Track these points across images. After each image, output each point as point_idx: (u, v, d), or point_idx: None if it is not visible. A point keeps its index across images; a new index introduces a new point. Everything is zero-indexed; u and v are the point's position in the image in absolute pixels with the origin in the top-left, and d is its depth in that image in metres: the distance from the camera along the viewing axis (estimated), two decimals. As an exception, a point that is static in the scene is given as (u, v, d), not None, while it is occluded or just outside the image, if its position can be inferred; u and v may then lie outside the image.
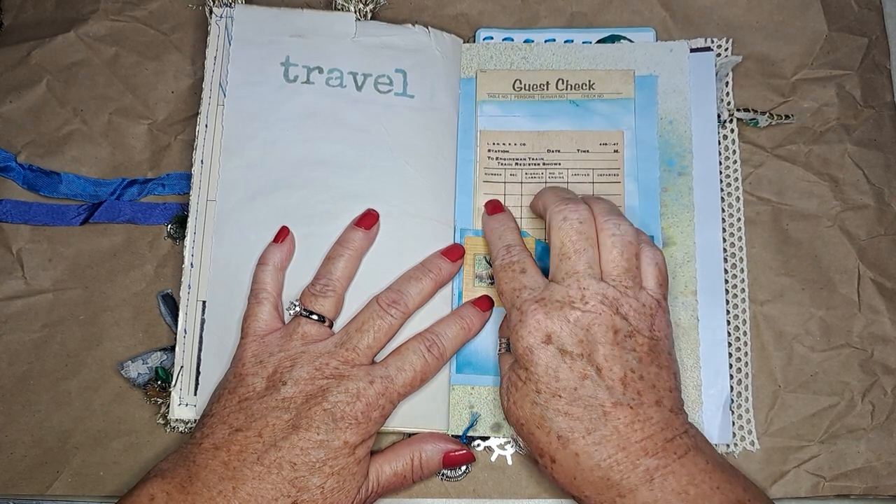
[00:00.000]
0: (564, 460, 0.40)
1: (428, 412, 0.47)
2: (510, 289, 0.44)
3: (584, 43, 0.53)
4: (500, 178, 0.51)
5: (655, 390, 0.40)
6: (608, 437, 0.39)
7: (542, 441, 0.40)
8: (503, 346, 0.45)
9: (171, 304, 0.51)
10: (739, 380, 0.48)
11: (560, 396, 0.40)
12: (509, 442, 0.48)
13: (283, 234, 0.49)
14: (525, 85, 0.52)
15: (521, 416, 0.41)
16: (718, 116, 0.51)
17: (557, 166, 0.51)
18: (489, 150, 0.51)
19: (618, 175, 0.50)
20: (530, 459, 0.43)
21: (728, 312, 0.49)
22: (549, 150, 0.51)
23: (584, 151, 0.51)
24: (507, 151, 0.51)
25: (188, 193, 0.50)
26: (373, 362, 0.45)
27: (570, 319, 0.41)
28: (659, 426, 0.39)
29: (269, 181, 0.50)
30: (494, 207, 0.49)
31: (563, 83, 0.52)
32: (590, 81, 0.52)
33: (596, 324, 0.41)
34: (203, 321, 0.48)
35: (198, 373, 0.48)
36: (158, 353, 0.50)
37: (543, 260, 0.49)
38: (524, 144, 0.51)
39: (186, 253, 0.49)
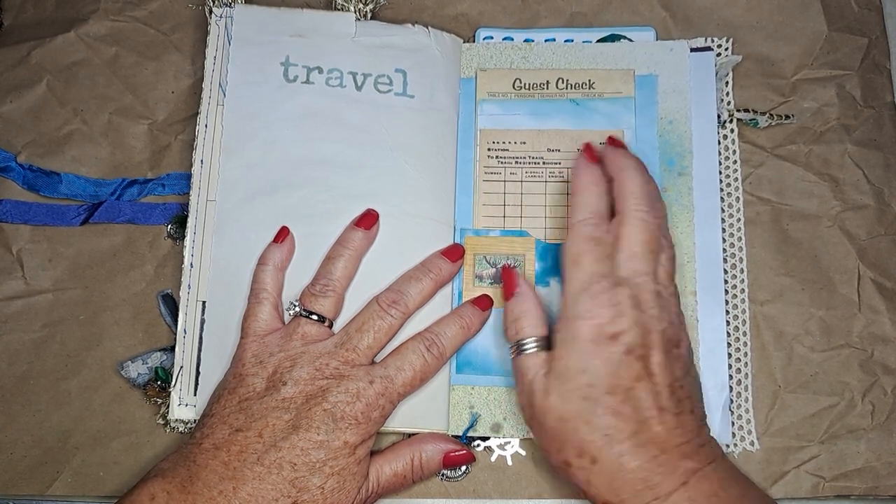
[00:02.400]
0: (607, 460, 0.39)
1: (428, 412, 0.47)
2: (591, 271, 0.42)
3: (584, 42, 0.53)
4: (499, 176, 0.51)
5: (691, 400, 0.41)
6: (653, 439, 0.39)
7: (586, 438, 0.39)
8: (532, 343, 0.44)
9: (171, 304, 0.51)
10: (739, 380, 0.48)
11: (615, 394, 0.40)
12: (509, 442, 0.48)
13: (282, 234, 0.49)
14: (525, 84, 0.52)
15: (567, 412, 0.40)
16: (718, 117, 0.51)
17: (557, 165, 0.51)
18: (489, 150, 0.51)
19: None
20: (553, 462, 0.41)
21: (728, 313, 0.49)
22: (549, 150, 0.51)
23: None
24: (507, 150, 0.51)
25: (188, 193, 0.50)
26: (373, 362, 0.45)
27: (638, 321, 0.40)
28: (693, 433, 0.40)
29: (269, 181, 0.50)
30: (592, 157, 0.46)
31: (563, 82, 0.52)
32: (590, 81, 0.52)
33: (655, 330, 0.41)
34: (203, 321, 0.48)
35: (198, 373, 0.48)
36: (158, 353, 0.50)
37: (543, 259, 0.49)
38: (524, 143, 0.51)
39: (186, 253, 0.49)
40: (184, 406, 0.48)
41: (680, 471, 0.38)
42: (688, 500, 0.38)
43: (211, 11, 0.52)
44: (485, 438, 0.48)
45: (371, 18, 0.54)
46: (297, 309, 0.46)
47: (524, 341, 0.44)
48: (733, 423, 0.47)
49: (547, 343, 0.43)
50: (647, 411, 0.39)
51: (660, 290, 0.42)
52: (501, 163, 0.51)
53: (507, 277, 0.46)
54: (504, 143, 0.51)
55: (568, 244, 0.43)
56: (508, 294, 0.46)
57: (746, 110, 0.52)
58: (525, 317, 0.44)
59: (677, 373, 0.41)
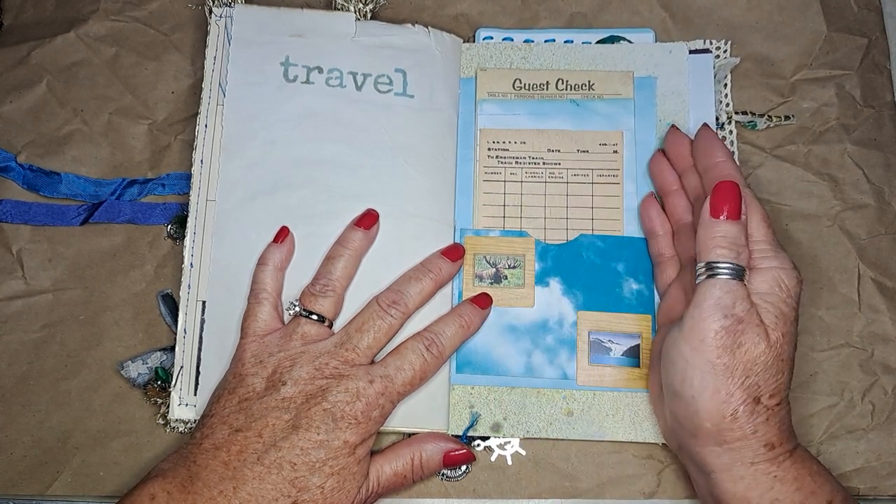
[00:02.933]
0: (786, 406, 0.40)
1: (428, 412, 0.47)
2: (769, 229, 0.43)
3: (583, 43, 0.53)
4: (499, 176, 0.51)
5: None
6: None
7: (784, 381, 0.40)
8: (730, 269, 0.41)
9: (171, 304, 0.51)
10: (739, 379, 0.48)
11: (794, 346, 0.41)
12: (509, 442, 0.48)
13: (282, 234, 0.49)
14: (525, 84, 0.52)
15: (788, 352, 0.40)
16: (717, 118, 0.51)
17: (557, 166, 0.51)
18: (489, 149, 0.51)
19: (617, 176, 0.50)
20: (732, 400, 0.39)
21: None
22: (549, 150, 0.51)
23: (584, 151, 0.51)
24: (507, 150, 0.51)
25: (188, 193, 0.50)
26: (372, 362, 0.45)
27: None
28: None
29: (269, 181, 0.50)
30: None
31: (562, 83, 0.52)
32: (589, 82, 0.52)
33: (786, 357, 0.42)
34: (203, 321, 0.48)
35: (198, 373, 0.48)
36: (158, 353, 0.50)
37: (543, 260, 0.49)
38: (524, 143, 0.51)
39: (186, 253, 0.49)
40: (184, 406, 0.48)
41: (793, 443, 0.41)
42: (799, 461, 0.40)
43: (211, 11, 0.52)
44: (485, 438, 0.48)
45: (371, 18, 0.54)
46: (297, 309, 0.46)
47: (739, 265, 0.41)
48: (733, 423, 0.47)
49: None
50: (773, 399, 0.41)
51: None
52: (501, 163, 0.51)
53: (727, 192, 0.42)
54: (504, 142, 0.51)
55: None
56: (735, 211, 0.42)
57: (745, 112, 0.52)
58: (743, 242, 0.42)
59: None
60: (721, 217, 0.41)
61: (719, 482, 0.40)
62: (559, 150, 0.51)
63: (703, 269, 0.41)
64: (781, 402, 0.40)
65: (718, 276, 0.40)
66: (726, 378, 0.39)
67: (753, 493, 0.39)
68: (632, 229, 0.50)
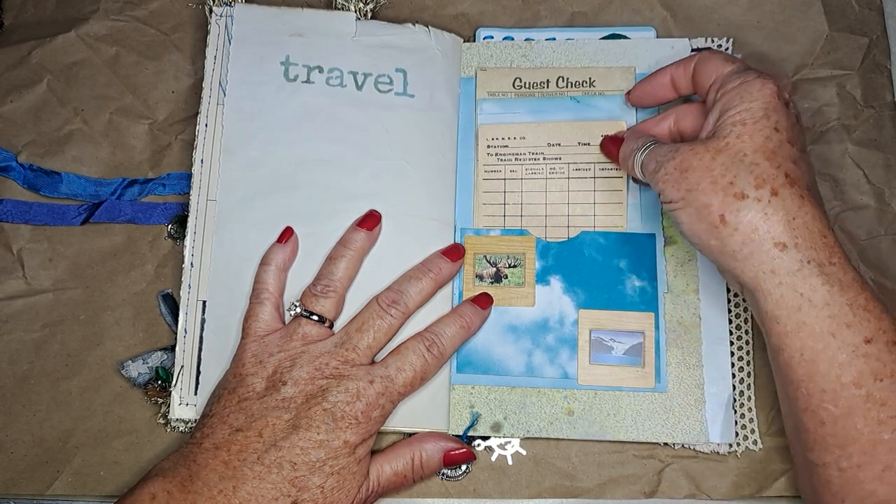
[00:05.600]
0: (788, 197, 0.38)
1: (428, 412, 0.47)
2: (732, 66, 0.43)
3: (585, 41, 0.53)
4: (499, 174, 0.51)
5: None
6: (820, 202, 0.40)
7: (768, 173, 0.38)
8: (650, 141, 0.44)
9: (172, 304, 0.50)
10: (742, 378, 0.48)
11: (793, 145, 0.40)
12: (510, 442, 0.48)
13: (286, 234, 0.49)
14: (525, 83, 0.52)
15: (748, 145, 0.39)
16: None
17: (558, 160, 0.51)
18: (488, 146, 0.51)
19: (619, 169, 0.50)
20: (715, 207, 0.39)
21: (730, 311, 0.49)
22: (549, 144, 0.51)
23: (586, 144, 0.51)
24: (507, 146, 0.51)
25: (188, 193, 0.50)
26: (373, 362, 0.45)
27: (795, 108, 0.42)
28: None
29: (270, 181, 0.50)
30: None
31: (563, 80, 0.52)
32: (590, 79, 0.52)
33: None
34: (203, 321, 0.48)
35: (198, 372, 0.48)
36: (159, 353, 0.50)
37: (544, 258, 0.49)
38: (524, 138, 0.51)
39: (186, 253, 0.49)
40: (184, 405, 0.48)
41: (839, 248, 0.39)
42: (861, 281, 0.38)
43: (211, 11, 0.52)
44: (485, 438, 0.48)
45: (371, 18, 0.54)
46: (298, 309, 0.46)
47: (644, 146, 0.44)
48: (736, 423, 0.47)
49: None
50: (812, 182, 0.40)
51: None
52: (501, 160, 0.51)
53: (608, 142, 0.50)
54: (503, 139, 0.51)
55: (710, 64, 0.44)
56: (615, 149, 0.48)
57: None
58: (639, 137, 0.46)
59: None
60: (615, 159, 0.49)
61: (758, 304, 0.39)
62: (559, 144, 0.51)
63: (639, 173, 0.44)
64: (778, 192, 0.38)
65: (641, 163, 0.44)
66: (697, 196, 0.39)
67: (782, 312, 0.38)
68: (635, 225, 0.50)
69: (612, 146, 0.49)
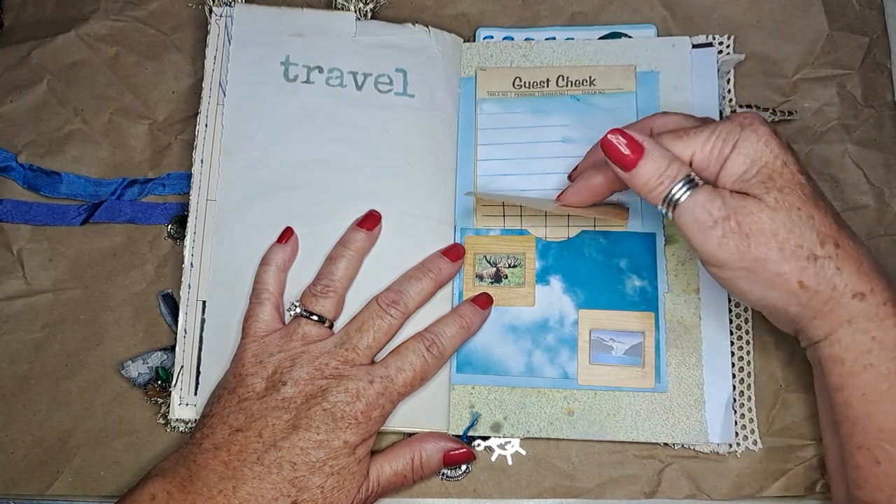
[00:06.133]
0: (849, 245, 0.38)
1: (428, 412, 0.47)
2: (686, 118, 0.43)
3: (585, 40, 0.53)
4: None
5: None
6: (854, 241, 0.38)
7: (823, 224, 0.37)
8: (694, 180, 0.39)
9: (172, 304, 0.51)
10: (742, 378, 0.48)
11: (809, 177, 0.39)
12: (510, 442, 0.48)
13: (286, 234, 0.49)
14: (525, 83, 0.52)
15: (793, 200, 0.37)
16: (721, 113, 0.51)
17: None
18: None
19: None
20: (787, 274, 0.37)
21: (730, 311, 0.49)
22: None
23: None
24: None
25: (188, 193, 0.50)
26: (372, 362, 0.45)
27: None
28: None
29: (269, 181, 0.50)
30: None
31: (563, 80, 0.52)
32: (591, 77, 0.52)
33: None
34: (203, 321, 0.48)
35: (198, 372, 0.48)
36: (159, 353, 0.50)
37: (544, 258, 0.49)
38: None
39: (186, 253, 0.49)
40: (184, 405, 0.48)
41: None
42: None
43: (211, 11, 0.52)
44: (485, 438, 0.48)
45: (371, 18, 0.54)
46: (298, 309, 0.46)
47: (684, 182, 0.39)
48: (736, 423, 0.47)
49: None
50: (841, 220, 0.39)
51: None
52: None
53: (621, 140, 0.40)
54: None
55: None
56: (635, 156, 0.40)
57: (749, 106, 0.51)
58: (672, 154, 0.40)
59: None
60: (629, 169, 0.39)
61: (821, 348, 0.38)
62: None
63: (663, 207, 0.39)
64: (839, 243, 0.37)
65: (678, 203, 0.39)
66: (767, 266, 0.37)
67: (849, 355, 0.37)
68: (635, 225, 0.50)
69: (623, 151, 0.40)
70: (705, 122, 0.42)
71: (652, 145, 0.40)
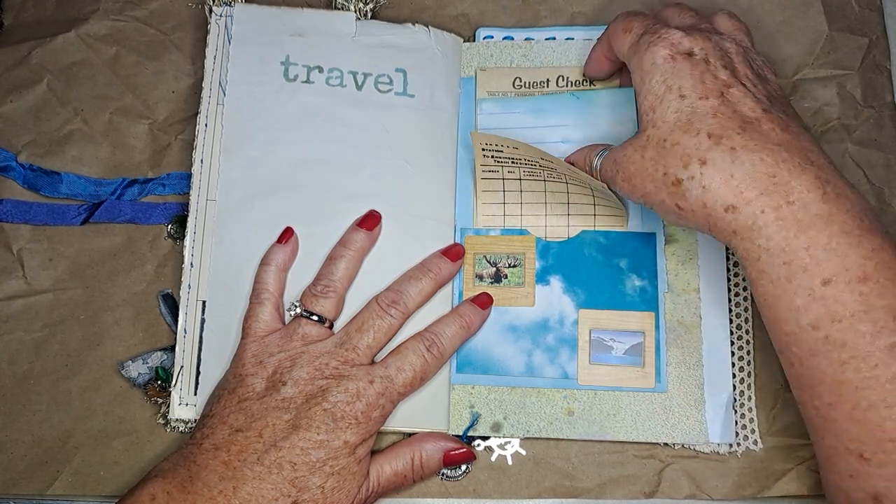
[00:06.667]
0: (719, 158, 0.37)
1: (428, 412, 0.47)
2: (642, 22, 0.43)
3: (585, 40, 0.53)
4: (497, 174, 0.51)
5: (797, 116, 0.41)
6: (766, 136, 0.38)
7: (690, 144, 0.38)
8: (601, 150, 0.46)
9: (172, 304, 0.50)
10: (742, 378, 0.48)
11: (707, 98, 0.39)
12: (510, 442, 0.48)
13: (287, 234, 0.49)
14: (525, 82, 0.52)
15: (663, 129, 0.39)
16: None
17: (553, 169, 0.51)
18: (483, 149, 0.51)
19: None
20: (656, 197, 0.40)
21: (731, 311, 0.49)
22: (542, 159, 0.51)
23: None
24: (501, 151, 0.51)
25: (188, 193, 0.50)
26: (372, 362, 0.45)
27: (712, 41, 0.41)
28: (810, 141, 0.39)
29: (269, 181, 0.50)
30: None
31: (563, 79, 0.52)
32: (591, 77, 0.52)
33: (733, 51, 0.41)
34: (203, 321, 0.48)
35: (198, 372, 0.48)
36: (159, 353, 0.50)
37: (544, 258, 0.49)
38: (516, 148, 0.50)
39: (186, 253, 0.49)
40: (184, 406, 0.48)
41: (811, 174, 0.37)
42: (828, 213, 0.36)
43: (211, 11, 0.52)
44: (485, 438, 0.48)
45: (371, 18, 0.54)
46: (298, 310, 0.46)
47: (598, 153, 0.45)
48: (736, 422, 0.47)
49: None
50: (751, 112, 0.39)
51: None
52: (498, 162, 0.51)
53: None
54: (498, 146, 0.51)
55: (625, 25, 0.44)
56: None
57: None
58: (588, 147, 0.47)
59: (773, 88, 0.41)
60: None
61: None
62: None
63: (599, 178, 0.45)
64: (706, 160, 0.37)
65: (599, 173, 0.45)
66: (651, 198, 0.41)
67: (746, 264, 0.38)
68: (635, 224, 0.50)
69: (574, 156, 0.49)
70: (636, 40, 0.43)
71: (574, 155, 0.48)
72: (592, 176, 0.46)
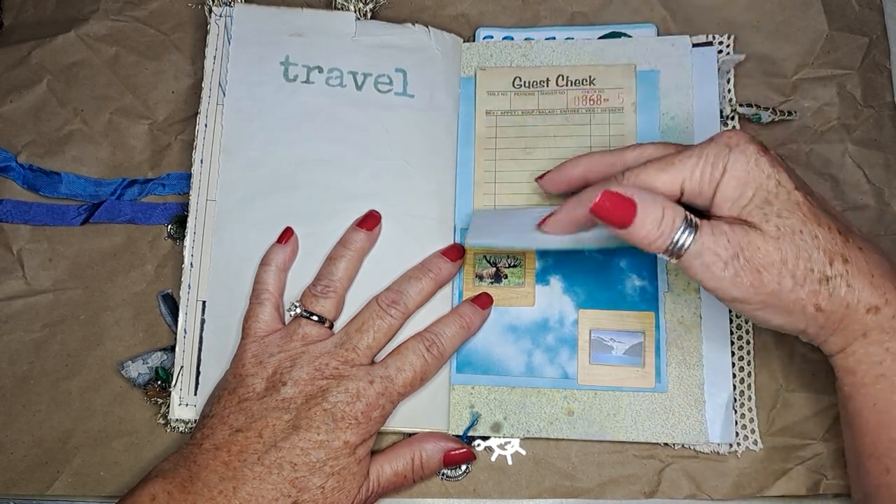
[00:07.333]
0: (854, 257, 0.37)
1: (428, 412, 0.47)
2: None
3: (584, 40, 0.53)
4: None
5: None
6: (858, 235, 0.38)
7: (828, 241, 0.37)
8: (691, 222, 0.37)
9: (171, 304, 0.50)
10: (742, 378, 0.48)
11: (799, 191, 0.38)
12: (510, 442, 0.48)
13: (287, 234, 0.49)
14: (525, 82, 0.52)
15: (794, 220, 0.37)
16: (721, 112, 0.51)
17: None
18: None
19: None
20: (801, 302, 0.36)
21: (730, 311, 0.49)
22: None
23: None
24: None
25: (188, 193, 0.50)
26: (372, 362, 0.45)
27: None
28: None
29: (269, 181, 0.50)
30: None
31: (563, 79, 0.52)
32: (590, 77, 0.52)
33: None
34: (203, 321, 0.48)
35: (198, 373, 0.48)
36: (158, 353, 0.50)
37: (544, 258, 0.49)
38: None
39: (186, 253, 0.49)
40: (184, 406, 0.48)
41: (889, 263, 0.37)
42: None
43: (211, 11, 0.52)
44: (485, 438, 0.48)
45: (371, 18, 0.54)
46: (298, 310, 0.46)
47: (684, 226, 0.37)
48: (736, 422, 0.47)
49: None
50: (846, 229, 0.38)
51: None
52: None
53: (612, 202, 0.37)
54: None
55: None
56: (628, 216, 0.37)
57: (749, 105, 0.51)
58: (662, 198, 0.38)
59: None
60: (626, 227, 0.37)
61: (835, 359, 0.38)
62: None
63: (667, 256, 0.38)
64: (847, 257, 0.37)
65: (683, 250, 0.37)
66: (783, 296, 0.36)
67: (861, 366, 0.37)
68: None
69: (619, 211, 0.37)
70: (686, 148, 0.40)
71: (642, 197, 0.37)
72: (660, 233, 0.37)
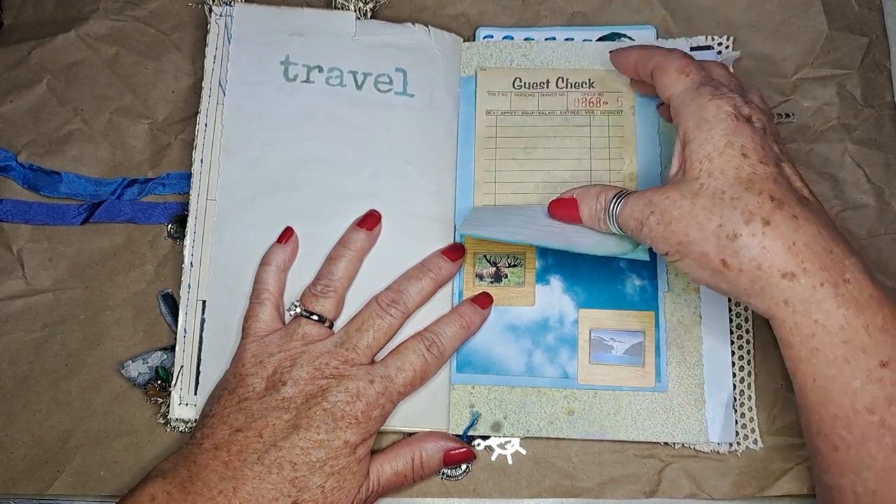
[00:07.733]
0: (782, 223, 0.36)
1: (428, 411, 0.47)
2: (699, 71, 0.42)
3: (584, 41, 0.53)
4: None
5: None
6: (816, 212, 0.38)
7: (753, 202, 0.37)
8: (622, 193, 0.43)
9: (172, 304, 0.50)
10: (742, 378, 0.48)
11: (767, 164, 0.38)
12: (510, 441, 0.48)
13: (287, 234, 0.49)
14: (525, 83, 0.52)
15: (722, 181, 0.38)
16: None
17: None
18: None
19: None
20: (712, 252, 0.38)
21: (731, 310, 0.49)
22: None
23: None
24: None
25: (188, 193, 0.50)
26: (373, 362, 0.45)
27: (766, 115, 0.42)
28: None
29: (269, 181, 0.50)
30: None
31: (563, 81, 0.52)
32: (590, 80, 0.52)
33: (775, 131, 0.42)
34: (203, 321, 0.48)
35: (198, 372, 0.48)
36: (159, 353, 0.50)
37: (544, 258, 0.49)
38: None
39: (186, 252, 0.49)
40: (184, 405, 0.48)
41: (857, 258, 0.37)
42: (879, 296, 0.36)
43: (211, 10, 0.52)
44: (485, 437, 0.48)
45: (371, 17, 0.54)
46: (298, 309, 0.46)
47: (614, 201, 0.42)
48: (736, 422, 0.47)
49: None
50: (800, 189, 0.39)
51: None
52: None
53: (560, 206, 0.46)
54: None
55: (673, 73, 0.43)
56: (574, 209, 0.45)
57: None
58: (599, 187, 0.44)
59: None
60: (578, 221, 0.45)
61: (775, 331, 0.38)
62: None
63: (616, 229, 0.43)
64: (766, 220, 0.37)
65: (617, 221, 0.42)
66: (691, 248, 0.38)
67: (795, 339, 0.37)
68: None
69: (567, 210, 0.46)
70: (695, 86, 0.42)
71: (580, 193, 0.45)
72: (598, 217, 0.44)
